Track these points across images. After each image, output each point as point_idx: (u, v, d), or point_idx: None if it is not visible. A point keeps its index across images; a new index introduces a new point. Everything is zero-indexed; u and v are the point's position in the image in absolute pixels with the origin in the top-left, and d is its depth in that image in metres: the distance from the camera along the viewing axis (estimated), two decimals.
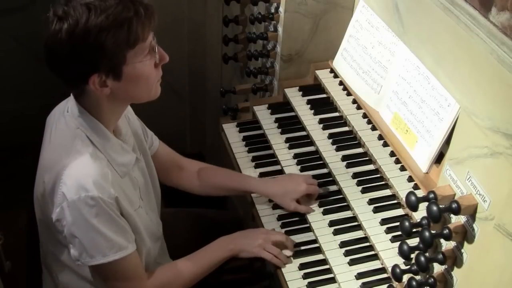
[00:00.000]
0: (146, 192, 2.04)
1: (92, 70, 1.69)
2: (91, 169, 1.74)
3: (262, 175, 2.33)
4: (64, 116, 1.83)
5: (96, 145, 1.80)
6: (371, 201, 2.09)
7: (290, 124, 2.49)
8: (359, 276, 1.95)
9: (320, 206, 2.17)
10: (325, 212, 2.14)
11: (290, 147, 2.38)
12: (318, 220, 2.13)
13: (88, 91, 1.75)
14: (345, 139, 2.33)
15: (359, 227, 2.08)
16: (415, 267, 1.72)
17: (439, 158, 1.96)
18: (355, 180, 2.17)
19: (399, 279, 1.77)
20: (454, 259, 1.70)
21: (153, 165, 2.12)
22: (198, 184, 2.28)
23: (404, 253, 1.75)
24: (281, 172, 2.32)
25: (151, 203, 2.07)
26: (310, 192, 2.18)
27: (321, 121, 2.41)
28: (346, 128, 2.38)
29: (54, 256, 1.93)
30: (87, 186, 1.71)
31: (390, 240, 1.99)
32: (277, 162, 2.37)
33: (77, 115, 1.80)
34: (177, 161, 2.29)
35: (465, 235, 1.66)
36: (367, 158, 2.25)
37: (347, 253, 2.01)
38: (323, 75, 2.56)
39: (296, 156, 2.35)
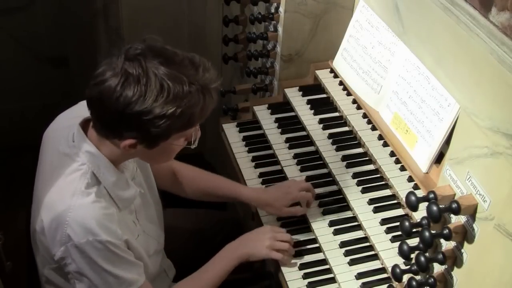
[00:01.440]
0: (144, 209, 1.98)
1: (131, 136, 1.65)
2: (97, 211, 1.69)
3: (262, 175, 2.33)
4: (69, 146, 1.75)
5: (102, 182, 1.75)
6: (371, 201, 2.09)
7: (290, 124, 2.49)
8: (359, 276, 1.95)
9: (320, 206, 2.17)
10: (325, 212, 2.14)
11: (290, 147, 2.38)
12: (318, 220, 2.13)
13: (113, 141, 1.70)
14: (345, 139, 2.33)
15: (359, 227, 2.08)
16: (415, 267, 1.72)
17: (439, 158, 1.96)
18: (355, 180, 2.17)
19: (399, 279, 1.77)
20: (454, 259, 1.70)
21: (151, 173, 2.07)
22: (190, 189, 2.24)
23: (404, 253, 1.75)
24: (281, 172, 2.32)
25: (150, 217, 2.03)
26: (301, 199, 2.14)
27: (321, 121, 2.41)
28: (346, 128, 2.38)
29: (48, 279, 1.88)
30: (94, 230, 1.67)
31: (390, 240, 1.99)
32: (277, 162, 2.37)
33: (84, 150, 1.73)
34: (171, 167, 2.23)
35: (465, 235, 1.66)
36: (367, 158, 2.25)
37: (347, 253, 2.01)
38: (323, 75, 2.56)
39: (296, 156, 2.35)
